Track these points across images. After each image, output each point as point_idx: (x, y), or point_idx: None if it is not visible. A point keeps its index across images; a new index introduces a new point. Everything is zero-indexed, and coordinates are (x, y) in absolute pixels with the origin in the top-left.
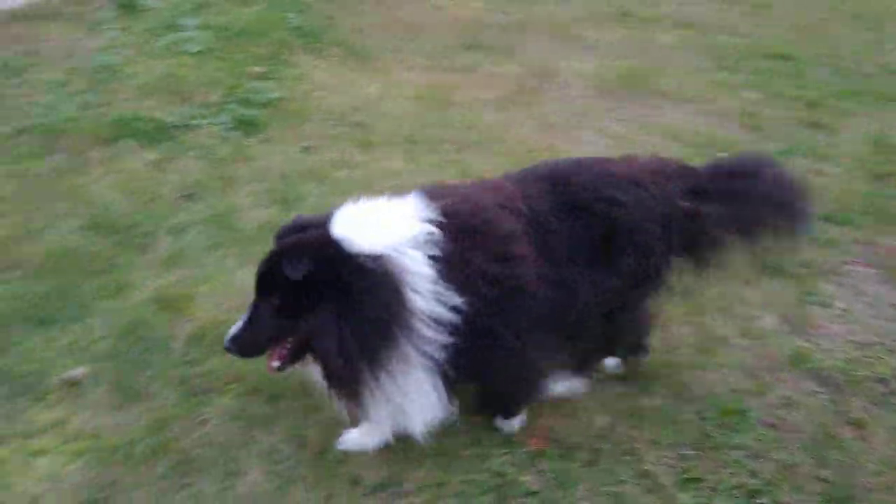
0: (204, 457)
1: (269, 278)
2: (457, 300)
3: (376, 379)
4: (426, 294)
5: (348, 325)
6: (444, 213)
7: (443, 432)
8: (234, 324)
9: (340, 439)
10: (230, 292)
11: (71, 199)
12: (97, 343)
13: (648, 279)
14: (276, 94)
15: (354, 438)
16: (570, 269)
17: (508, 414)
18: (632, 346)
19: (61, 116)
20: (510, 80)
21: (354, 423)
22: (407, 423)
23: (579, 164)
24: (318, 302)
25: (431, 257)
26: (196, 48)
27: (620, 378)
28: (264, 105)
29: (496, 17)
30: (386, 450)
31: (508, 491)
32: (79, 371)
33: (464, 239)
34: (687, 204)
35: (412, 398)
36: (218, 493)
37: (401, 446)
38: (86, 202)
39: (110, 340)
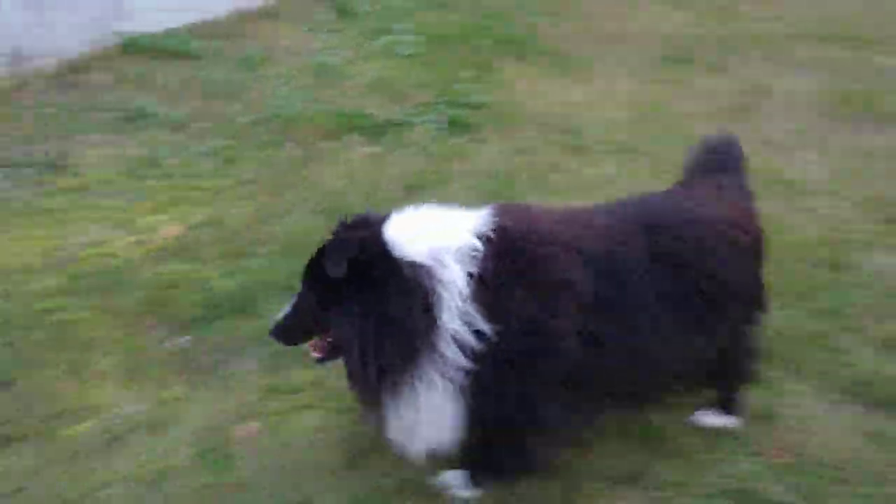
0: None
1: (313, 269)
2: (483, 325)
3: (390, 385)
4: (454, 311)
5: (370, 325)
6: (503, 233)
7: (679, 433)
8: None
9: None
10: None
11: (304, 185)
12: None
13: (752, 319)
14: (484, 98)
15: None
16: (643, 332)
17: (479, 475)
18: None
19: (293, 109)
20: (723, 95)
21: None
22: (411, 441)
23: (674, 204)
24: (349, 298)
25: (470, 274)
26: (407, 51)
27: (861, 399)
28: (474, 107)
29: (701, 30)
30: (625, 444)
31: (752, 498)
32: None
33: (510, 264)
34: None
35: (423, 415)
36: None
37: (637, 443)
38: (317, 189)
39: None
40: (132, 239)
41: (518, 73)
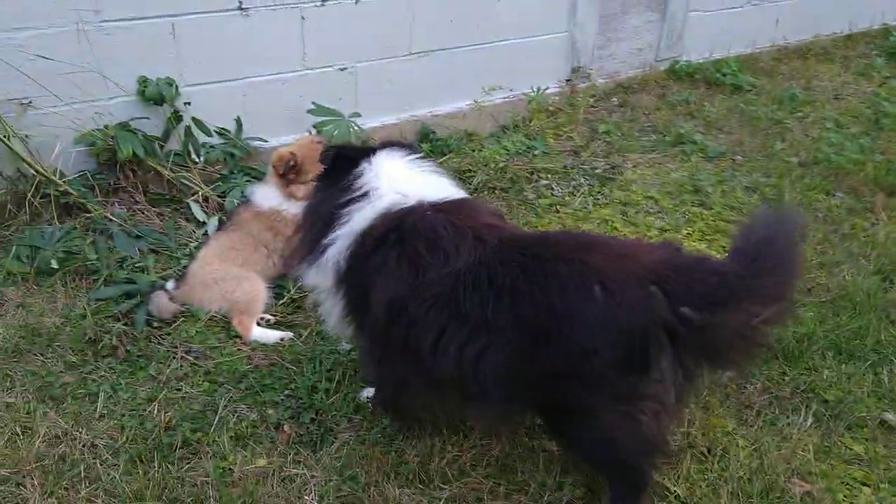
0: None
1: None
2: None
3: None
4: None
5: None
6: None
7: None
8: None
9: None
10: None
11: (857, 240)
12: None
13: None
14: None
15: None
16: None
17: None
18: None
19: (845, 157)
20: None
21: None
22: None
23: (570, 241)
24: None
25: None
26: None
27: None
28: None
29: None
30: None
31: None
32: (892, 415)
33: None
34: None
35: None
36: None
37: None
38: (874, 247)
39: None
40: None
41: None
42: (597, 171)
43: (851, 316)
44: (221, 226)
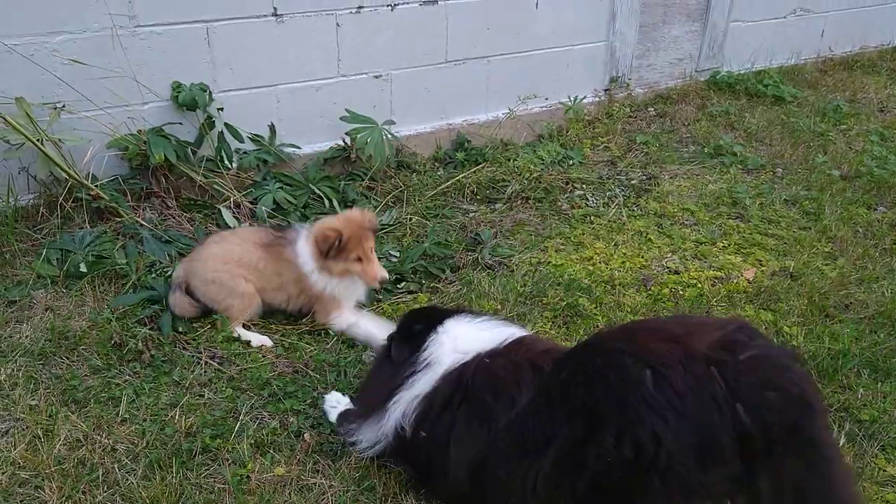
0: None
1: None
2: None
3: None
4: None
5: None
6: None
7: None
8: None
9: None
10: None
11: None
12: None
13: None
14: None
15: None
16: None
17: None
18: None
19: (888, 170)
20: None
21: None
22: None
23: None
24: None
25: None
26: None
27: None
28: None
29: None
30: None
31: None
32: None
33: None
34: None
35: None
36: None
37: None
38: None
39: None
40: (710, 273)
41: None
42: (633, 181)
43: (890, 333)
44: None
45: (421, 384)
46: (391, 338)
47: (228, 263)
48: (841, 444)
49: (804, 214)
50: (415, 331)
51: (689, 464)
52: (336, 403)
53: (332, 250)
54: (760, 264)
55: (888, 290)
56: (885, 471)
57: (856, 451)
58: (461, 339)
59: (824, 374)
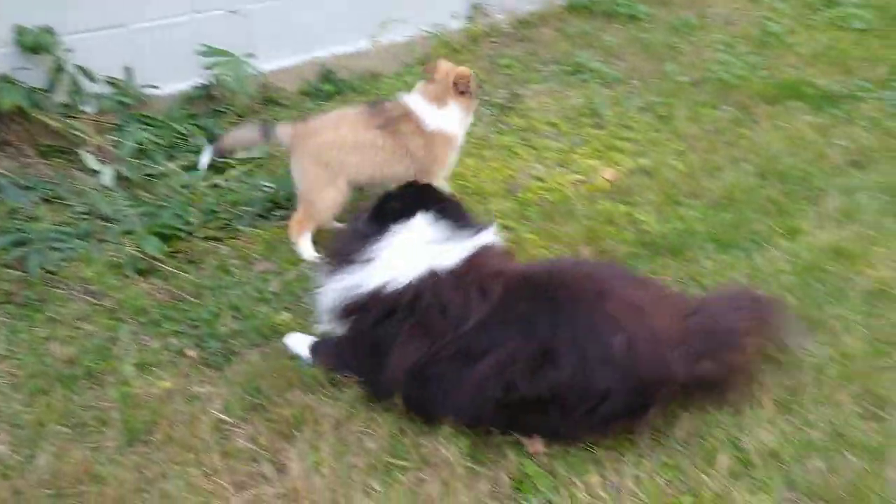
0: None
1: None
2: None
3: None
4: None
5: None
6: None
7: None
8: None
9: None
10: None
11: (740, 146)
12: (779, 274)
13: None
14: None
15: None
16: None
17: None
18: None
19: (732, 74)
20: None
21: None
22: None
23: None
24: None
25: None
26: (858, 25)
27: None
28: None
29: None
30: None
31: None
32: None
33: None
34: None
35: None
36: None
37: None
38: (754, 151)
39: (791, 275)
40: (572, 177)
41: None
42: (498, 101)
43: (730, 212)
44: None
45: (368, 276)
46: (369, 208)
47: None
48: None
49: (657, 118)
50: (387, 209)
51: (619, 411)
52: (300, 341)
53: (473, 87)
54: (618, 165)
55: (730, 177)
56: None
57: None
58: (417, 250)
59: (674, 251)
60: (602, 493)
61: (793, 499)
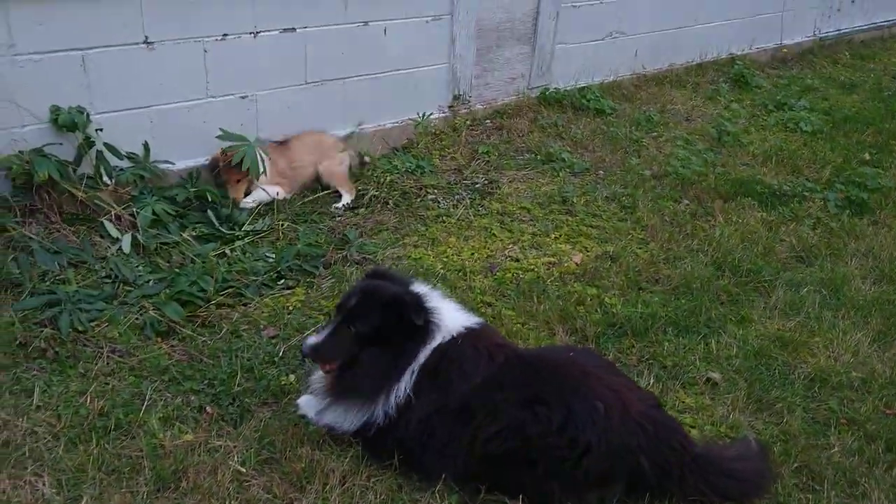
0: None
1: (365, 311)
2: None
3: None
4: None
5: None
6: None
7: None
8: None
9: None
10: (842, 349)
11: (698, 238)
12: (730, 358)
13: None
14: (883, 182)
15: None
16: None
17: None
18: None
19: (690, 169)
20: None
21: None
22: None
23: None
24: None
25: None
26: (806, 127)
27: None
28: (872, 190)
29: None
30: None
31: None
32: (716, 374)
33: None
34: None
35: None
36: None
37: None
38: (710, 243)
39: (740, 359)
40: (546, 259)
41: None
42: (477, 186)
43: (688, 299)
44: None
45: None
46: (406, 302)
47: None
48: (650, 384)
49: (622, 208)
50: (422, 303)
51: (593, 472)
52: (308, 403)
53: None
54: (586, 250)
55: (689, 266)
56: (684, 402)
57: (662, 389)
58: (449, 317)
59: (638, 333)
60: None
61: None
